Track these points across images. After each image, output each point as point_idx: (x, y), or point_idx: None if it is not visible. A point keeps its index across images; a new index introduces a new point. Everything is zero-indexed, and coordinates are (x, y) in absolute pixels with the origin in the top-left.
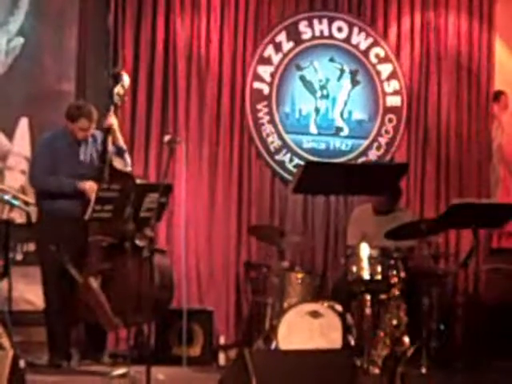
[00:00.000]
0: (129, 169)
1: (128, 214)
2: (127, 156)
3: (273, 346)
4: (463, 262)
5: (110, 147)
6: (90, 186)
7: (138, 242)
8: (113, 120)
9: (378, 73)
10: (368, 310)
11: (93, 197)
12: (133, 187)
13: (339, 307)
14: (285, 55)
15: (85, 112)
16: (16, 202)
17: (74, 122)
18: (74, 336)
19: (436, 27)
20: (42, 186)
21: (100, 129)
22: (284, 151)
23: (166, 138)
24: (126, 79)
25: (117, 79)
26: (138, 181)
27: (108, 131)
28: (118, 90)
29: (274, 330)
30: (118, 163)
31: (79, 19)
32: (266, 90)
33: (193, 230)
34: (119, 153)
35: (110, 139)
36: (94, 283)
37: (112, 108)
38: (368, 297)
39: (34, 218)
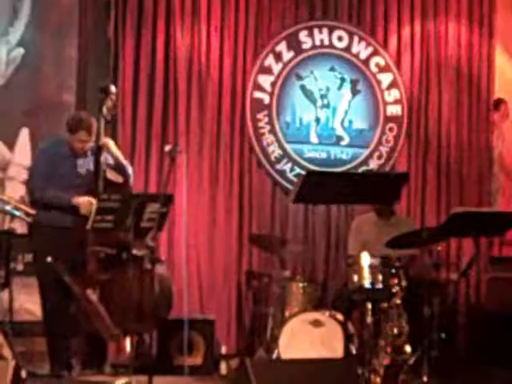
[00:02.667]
0: (131, 182)
1: (129, 224)
2: (129, 169)
3: (274, 355)
4: (464, 270)
5: (103, 158)
6: (83, 202)
7: (135, 251)
8: (106, 142)
9: (379, 82)
10: (369, 319)
11: (93, 209)
12: (133, 197)
13: (340, 316)
14: (285, 65)
15: (84, 125)
16: (17, 213)
17: (73, 133)
18: (74, 346)
19: (436, 36)
20: (39, 197)
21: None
22: (285, 160)
23: (167, 147)
24: (113, 91)
25: (106, 93)
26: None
27: (100, 148)
28: (107, 104)
29: (276, 339)
30: (111, 175)
31: (79, 29)
32: (266, 99)
33: (194, 239)
34: (119, 169)
35: (103, 154)
36: (93, 295)
37: (102, 124)
38: (369, 305)
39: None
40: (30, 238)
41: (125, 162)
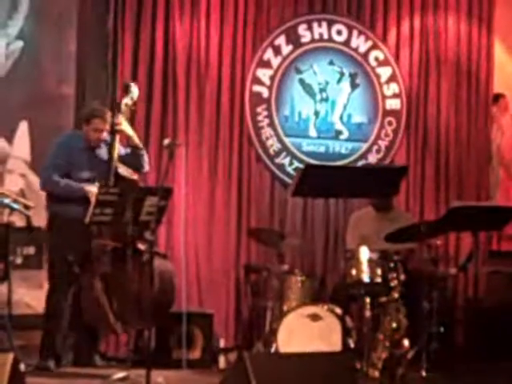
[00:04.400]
0: (146, 169)
1: (128, 217)
2: (144, 154)
3: (272, 349)
4: (463, 264)
5: (118, 153)
6: (94, 192)
7: (140, 246)
8: (119, 122)
9: (378, 76)
10: (368, 313)
11: (93, 200)
12: (132, 190)
13: (339, 310)
14: (284, 58)
15: (98, 113)
16: (16, 206)
17: (88, 123)
18: (66, 339)
19: (435, 30)
20: (52, 189)
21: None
22: (283, 154)
23: (166, 141)
24: (135, 91)
25: (127, 90)
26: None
27: (114, 135)
28: (126, 101)
29: (274, 333)
30: (123, 170)
31: (78, 22)
32: (265, 93)
33: (192, 233)
34: (134, 152)
35: (116, 144)
36: (98, 284)
37: (120, 116)
38: (368, 299)
39: (34, 222)
40: (47, 232)
41: (141, 145)
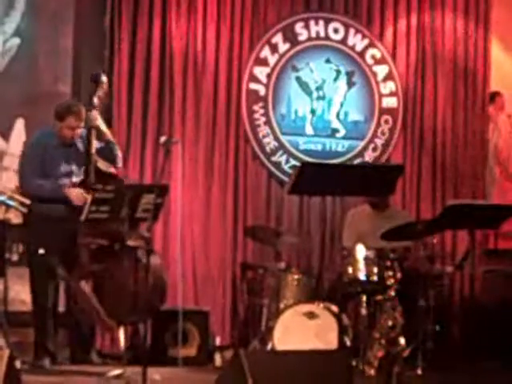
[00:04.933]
0: (119, 164)
1: (124, 214)
2: (117, 148)
3: (269, 346)
4: (459, 263)
5: (94, 148)
6: (75, 194)
7: (129, 242)
8: (93, 118)
9: (374, 74)
10: (364, 311)
11: (88, 200)
12: (128, 188)
13: (335, 308)
14: (281, 56)
15: (73, 110)
16: (12, 203)
17: (61, 120)
18: (61, 337)
19: (432, 28)
20: (30, 190)
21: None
22: (280, 152)
23: (162, 138)
24: (104, 79)
25: (96, 82)
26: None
27: (90, 131)
28: (98, 93)
29: (270, 330)
30: (102, 164)
31: (75, 20)
32: (262, 91)
33: (189, 230)
34: (106, 146)
35: (93, 139)
36: (86, 286)
37: (93, 109)
38: (364, 298)
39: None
40: (24, 229)
41: (112, 139)
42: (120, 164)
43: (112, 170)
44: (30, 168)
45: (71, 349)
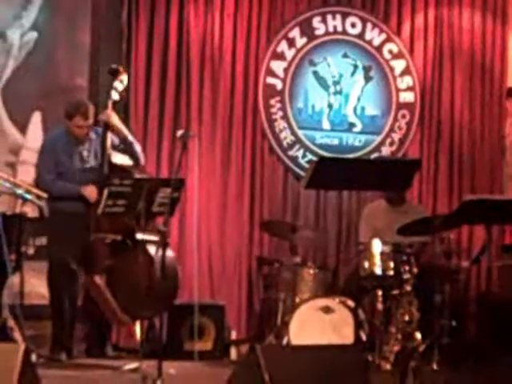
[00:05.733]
0: (142, 161)
1: (140, 208)
2: (136, 146)
3: (284, 341)
4: (475, 258)
5: (109, 143)
6: (90, 191)
7: (139, 236)
8: (109, 115)
9: (392, 69)
10: (380, 306)
11: (104, 194)
12: (145, 182)
13: (351, 303)
14: (298, 51)
15: (80, 110)
16: (28, 196)
17: (70, 120)
18: (78, 331)
19: (450, 23)
20: (48, 189)
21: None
22: (297, 147)
23: (179, 132)
24: (125, 78)
25: (114, 75)
26: (138, 175)
27: (106, 127)
28: (115, 85)
29: (286, 325)
30: (117, 159)
31: (92, 14)
32: (279, 85)
33: (205, 224)
34: (126, 145)
35: (108, 135)
36: (100, 281)
37: (110, 103)
38: (380, 292)
39: (46, 213)
40: (43, 224)
41: (131, 138)
42: (143, 162)
43: (129, 162)
44: (45, 166)
45: (87, 342)
